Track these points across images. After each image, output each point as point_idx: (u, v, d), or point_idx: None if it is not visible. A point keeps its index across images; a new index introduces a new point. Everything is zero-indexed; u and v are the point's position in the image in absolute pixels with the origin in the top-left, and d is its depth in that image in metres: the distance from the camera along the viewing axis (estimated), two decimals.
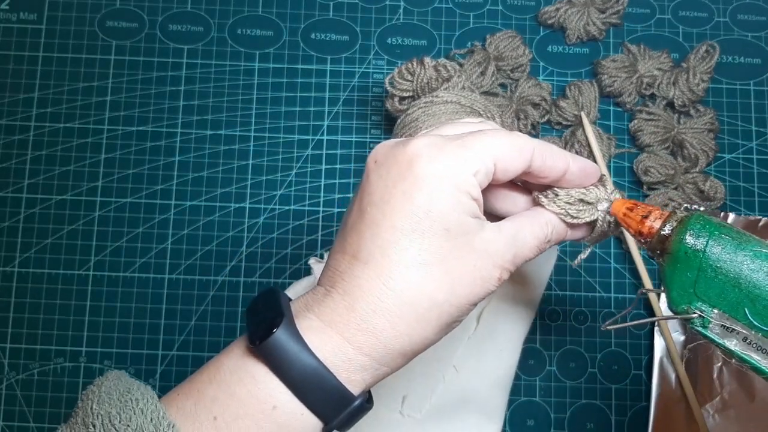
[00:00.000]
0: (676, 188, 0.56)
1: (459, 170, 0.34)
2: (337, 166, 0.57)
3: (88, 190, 0.56)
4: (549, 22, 0.59)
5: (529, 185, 0.39)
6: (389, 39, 0.59)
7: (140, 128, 0.57)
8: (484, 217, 0.36)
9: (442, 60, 0.50)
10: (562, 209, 0.38)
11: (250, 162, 0.56)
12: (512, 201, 0.39)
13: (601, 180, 0.39)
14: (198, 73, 0.58)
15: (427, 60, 0.50)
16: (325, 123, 0.57)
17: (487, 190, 0.37)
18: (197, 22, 0.59)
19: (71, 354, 0.54)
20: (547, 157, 0.36)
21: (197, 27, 0.58)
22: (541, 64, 0.59)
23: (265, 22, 0.59)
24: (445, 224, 0.34)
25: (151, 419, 0.33)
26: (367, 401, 0.35)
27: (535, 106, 0.57)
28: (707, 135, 0.56)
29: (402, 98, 0.50)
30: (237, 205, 0.56)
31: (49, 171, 0.56)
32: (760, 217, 0.55)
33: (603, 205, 0.38)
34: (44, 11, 0.58)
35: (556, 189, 0.38)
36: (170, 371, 0.53)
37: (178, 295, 0.54)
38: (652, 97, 0.58)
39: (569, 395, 0.54)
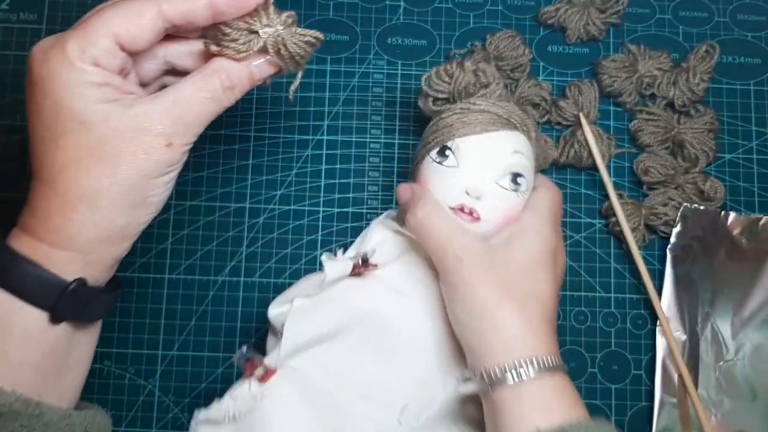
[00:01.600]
0: (676, 188, 0.56)
1: (67, 65, 0.36)
2: (337, 166, 0.57)
3: None
4: (549, 22, 0.59)
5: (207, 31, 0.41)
6: (389, 39, 0.59)
7: None
8: (129, 96, 0.37)
9: (482, 64, 0.48)
10: (231, 49, 0.39)
11: (250, 162, 0.56)
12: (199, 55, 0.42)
13: (264, 6, 0.40)
14: None
15: (467, 64, 0.48)
16: (325, 123, 0.57)
17: (154, 56, 0.40)
18: None
19: None
20: (180, 2, 0.38)
21: None
22: (541, 64, 0.59)
23: None
24: (76, 119, 0.36)
25: None
26: (107, 290, 0.40)
27: (535, 106, 0.57)
28: (707, 135, 0.56)
29: (436, 99, 0.48)
30: (237, 205, 0.56)
31: None
32: (761, 216, 0.55)
33: (267, 30, 0.40)
34: (44, 11, 0.58)
35: (222, 27, 0.39)
36: (170, 371, 0.53)
37: (178, 295, 0.54)
38: (652, 97, 0.58)
39: None
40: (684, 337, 0.53)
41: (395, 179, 0.57)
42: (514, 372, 0.39)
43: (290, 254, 0.55)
